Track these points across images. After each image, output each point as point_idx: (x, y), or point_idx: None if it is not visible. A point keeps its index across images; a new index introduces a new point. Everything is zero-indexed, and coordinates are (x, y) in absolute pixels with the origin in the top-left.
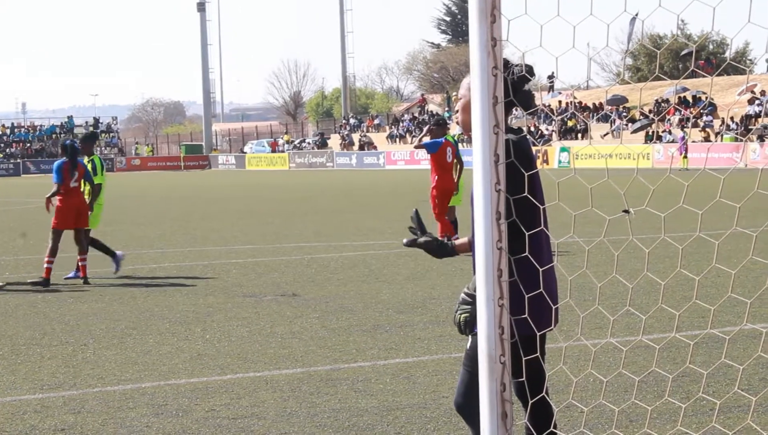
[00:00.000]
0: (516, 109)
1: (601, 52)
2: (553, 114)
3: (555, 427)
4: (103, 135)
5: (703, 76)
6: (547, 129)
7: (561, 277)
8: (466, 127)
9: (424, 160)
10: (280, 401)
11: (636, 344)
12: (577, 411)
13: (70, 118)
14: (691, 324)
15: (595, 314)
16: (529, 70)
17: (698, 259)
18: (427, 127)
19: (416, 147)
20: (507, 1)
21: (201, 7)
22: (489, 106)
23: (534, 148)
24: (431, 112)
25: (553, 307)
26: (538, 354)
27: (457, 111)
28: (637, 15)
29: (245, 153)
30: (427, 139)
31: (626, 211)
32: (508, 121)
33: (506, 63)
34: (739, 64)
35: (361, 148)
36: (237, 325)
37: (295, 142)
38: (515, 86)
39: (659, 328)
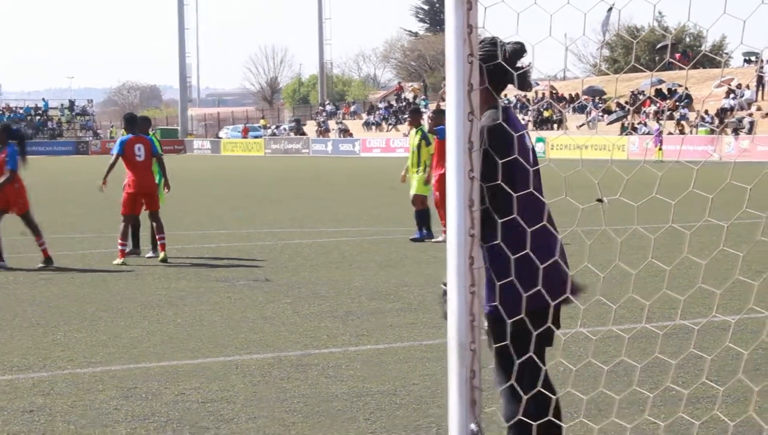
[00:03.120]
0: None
1: (578, 43)
2: (530, 104)
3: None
4: (77, 117)
5: (680, 69)
6: (523, 119)
7: None
8: None
9: (399, 148)
10: (250, 386)
11: (606, 334)
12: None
13: (45, 100)
14: (661, 315)
15: None
16: (521, 46)
17: (670, 250)
18: (433, 113)
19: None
20: None
21: None
22: (464, 94)
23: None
24: (406, 99)
25: (533, 290)
26: (507, 342)
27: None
28: (613, 5)
29: (221, 138)
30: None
31: (600, 200)
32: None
33: (496, 42)
34: (716, 56)
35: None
36: (209, 309)
37: (272, 128)
38: (509, 64)
39: (630, 318)
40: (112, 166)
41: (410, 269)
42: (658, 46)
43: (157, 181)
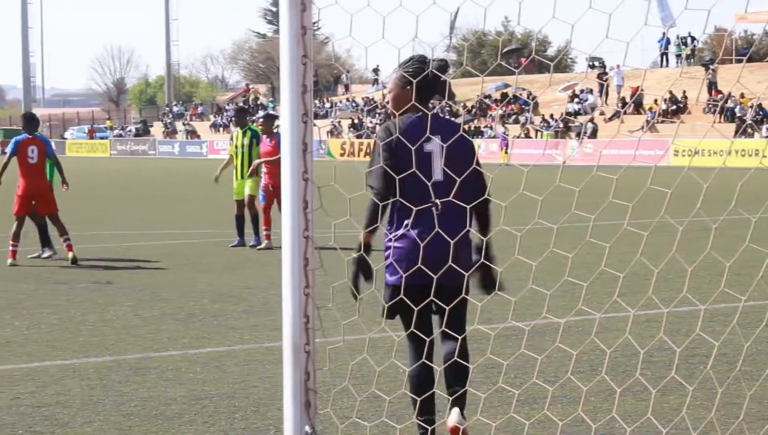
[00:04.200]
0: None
1: (425, 46)
2: (378, 107)
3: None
4: None
5: (527, 73)
6: (371, 122)
7: None
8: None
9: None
10: (87, 389)
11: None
12: (381, 400)
13: None
14: (499, 316)
15: None
16: (445, 63)
17: (502, 252)
18: (263, 117)
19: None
20: None
21: None
22: (298, 95)
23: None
24: (253, 101)
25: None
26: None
27: (388, 102)
28: (458, 9)
29: (66, 139)
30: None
31: None
32: (428, 107)
33: (424, 59)
34: (547, 61)
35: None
36: (48, 312)
37: (117, 129)
38: (435, 79)
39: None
40: (4, 166)
41: (254, 272)
42: (504, 50)
43: (50, 181)
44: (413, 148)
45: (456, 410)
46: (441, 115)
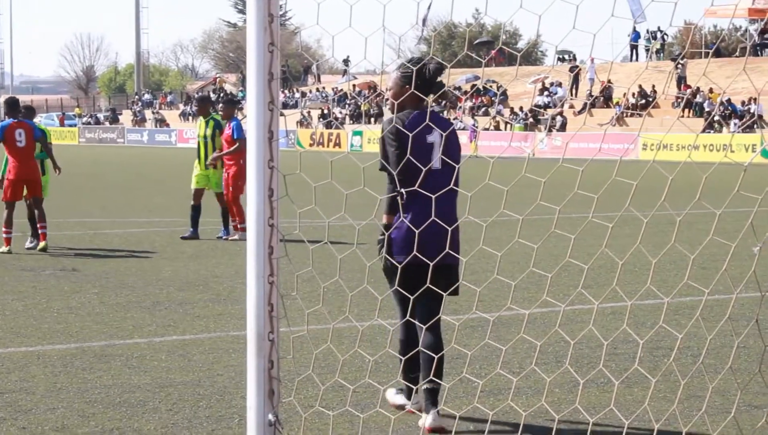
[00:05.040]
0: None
1: (396, 38)
2: (347, 97)
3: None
4: None
5: (498, 65)
6: (340, 112)
7: (330, 257)
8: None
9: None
10: (51, 376)
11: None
12: (345, 389)
13: None
14: (464, 307)
15: (364, 294)
16: (441, 65)
17: (466, 243)
18: (223, 103)
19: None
20: None
21: None
22: (264, 83)
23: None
24: (222, 90)
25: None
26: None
27: (387, 99)
28: (431, 4)
29: None
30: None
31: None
32: (427, 104)
33: (420, 60)
34: (514, 50)
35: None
36: (12, 299)
37: (86, 117)
38: (432, 79)
39: None
40: None
41: (220, 260)
42: (476, 42)
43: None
44: (417, 139)
45: (433, 411)
46: (436, 111)
